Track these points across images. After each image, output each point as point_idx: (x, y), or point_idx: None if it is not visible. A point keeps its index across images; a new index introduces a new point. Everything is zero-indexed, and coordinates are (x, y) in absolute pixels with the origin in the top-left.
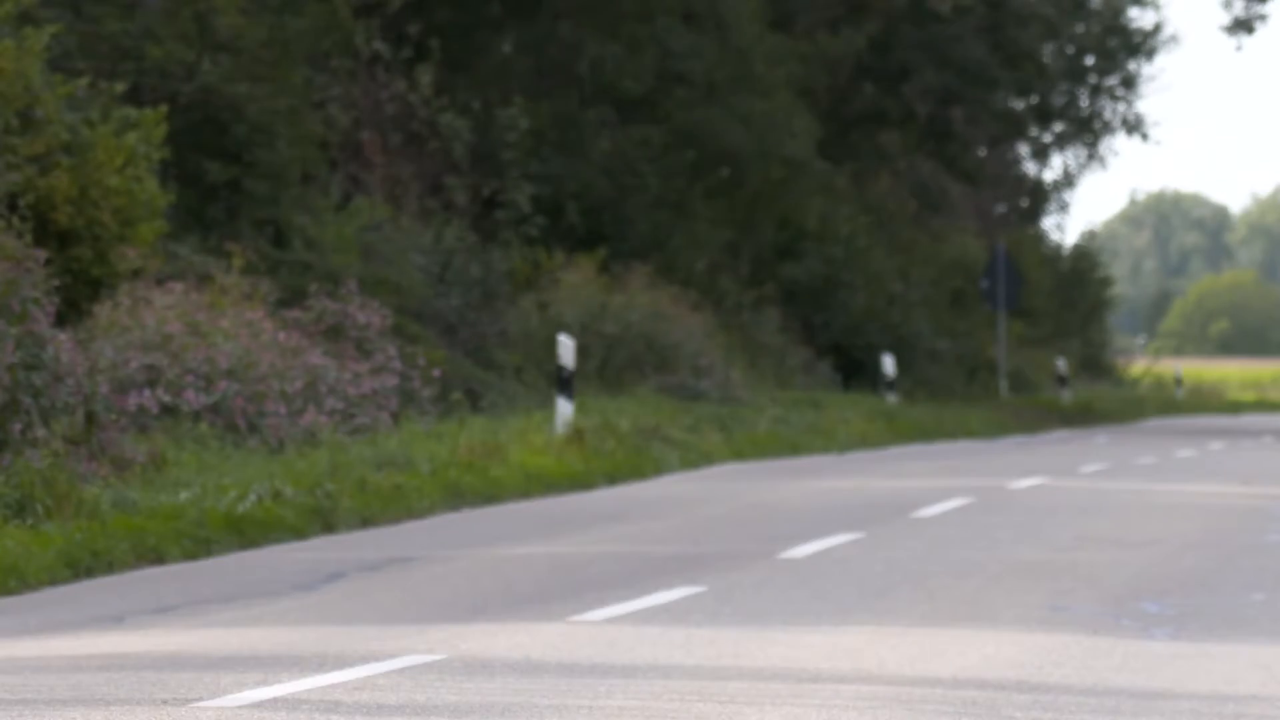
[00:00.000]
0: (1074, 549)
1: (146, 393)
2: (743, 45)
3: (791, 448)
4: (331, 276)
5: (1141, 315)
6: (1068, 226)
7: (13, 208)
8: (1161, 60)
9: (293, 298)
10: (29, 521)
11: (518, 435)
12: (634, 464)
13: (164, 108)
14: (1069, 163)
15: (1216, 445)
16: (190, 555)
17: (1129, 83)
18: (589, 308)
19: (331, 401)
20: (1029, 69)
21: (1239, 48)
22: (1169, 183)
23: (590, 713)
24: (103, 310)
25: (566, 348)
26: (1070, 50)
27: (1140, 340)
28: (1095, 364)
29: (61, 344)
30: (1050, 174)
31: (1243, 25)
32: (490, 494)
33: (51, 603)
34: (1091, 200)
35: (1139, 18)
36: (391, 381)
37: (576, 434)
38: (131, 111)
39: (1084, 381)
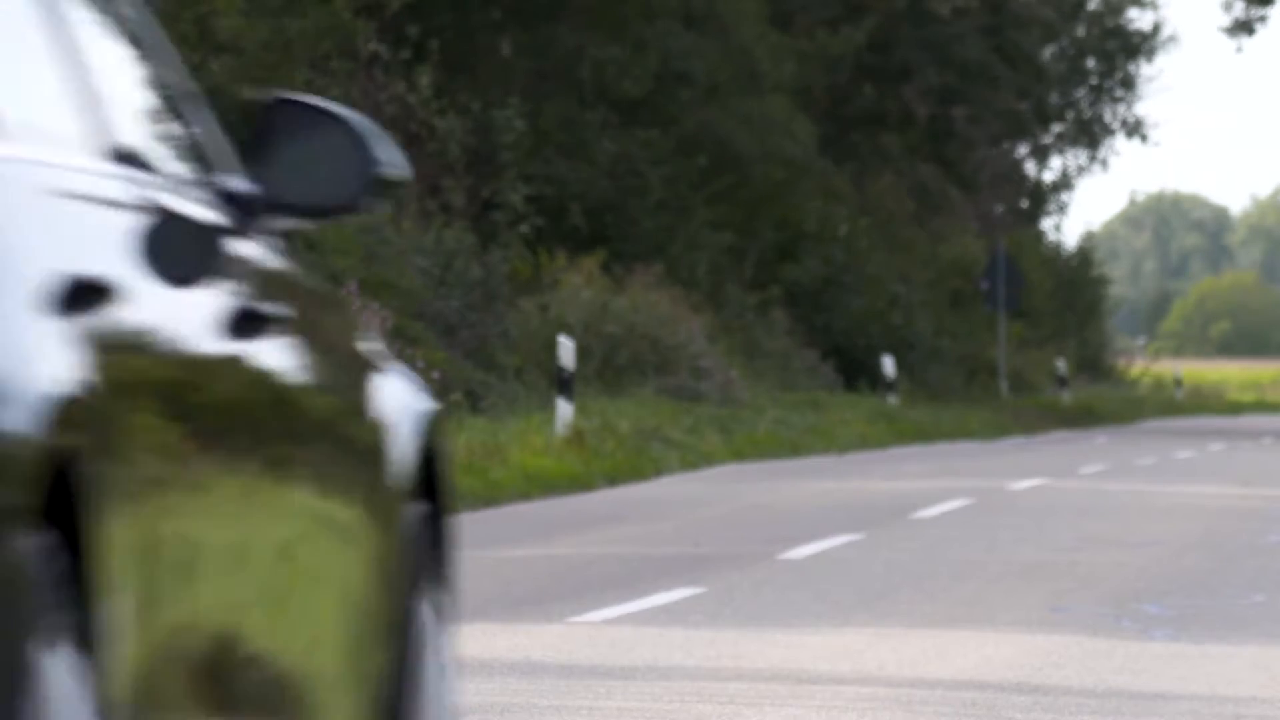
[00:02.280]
0: (1074, 550)
1: None
2: (744, 46)
3: (791, 449)
4: (332, 278)
5: (1142, 316)
6: (1067, 227)
7: None
8: (1161, 61)
9: None
10: None
11: (518, 437)
12: (634, 465)
13: None
14: (1069, 164)
15: (1216, 446)
16: None
17: (1128, 84)
18: (590, 309)
19: None
20: (1029, 71)
21: (1239, 49)
22: (1169, 184)
23: (590, 713)
24: None
25: (566, 349)
26: (1070, 52)
27: (1140, 341)
28: (1095, 365)
29: None
30: (1050, 175)
31: (1243, 27)
32: (490, 495)
33: None
34: (1092, 201)
35: (1138, 19)
36: None
37: (576, 435)
38: None
39: (1084, 382)
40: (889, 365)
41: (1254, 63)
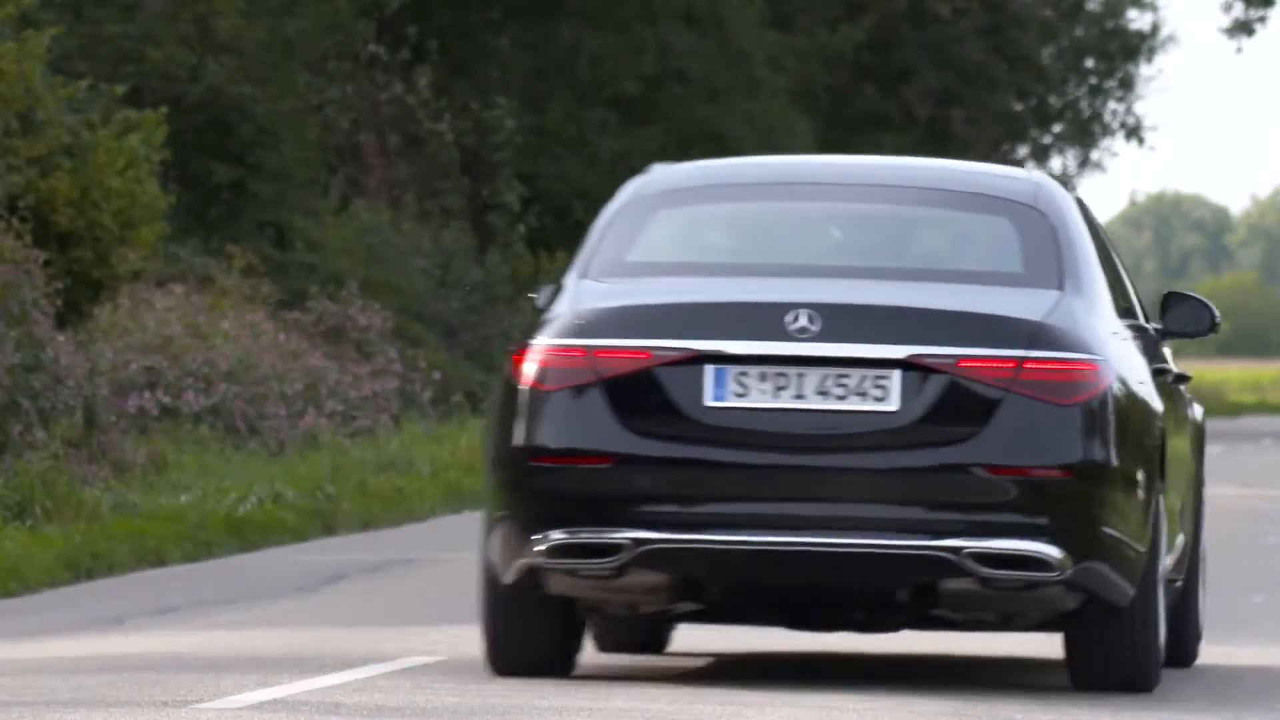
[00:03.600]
0: None
1: (147, 395)
2: (743, 47)
3: None
4: (333, 279)
5: None
6: None
7: (13, 209)
8: (1161, 62)
9: (293, 300)
10: (29, 524)
11: None
12: None
13: (164, 110)
14: (1068, 164)
15: (1216, 448)
16: (191, 557)
17: (1127, 84)
18: None
19: (332, 404)
20: (1029, 71)
21: (1239, 50)
22: (1169, 184)
23: (590, 714)
24: (103, 312)
25: None
26: (1069, 53)
27: None
28: None
29: (61, 346)
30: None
31: (1243, 28)
32: None
33: (52, 605)
34: (1091, 201)
35: (1137, 19)
36: (392, 384)
37: None
38: (132, 114)
39: None
40: None
41: (1254, 63)
